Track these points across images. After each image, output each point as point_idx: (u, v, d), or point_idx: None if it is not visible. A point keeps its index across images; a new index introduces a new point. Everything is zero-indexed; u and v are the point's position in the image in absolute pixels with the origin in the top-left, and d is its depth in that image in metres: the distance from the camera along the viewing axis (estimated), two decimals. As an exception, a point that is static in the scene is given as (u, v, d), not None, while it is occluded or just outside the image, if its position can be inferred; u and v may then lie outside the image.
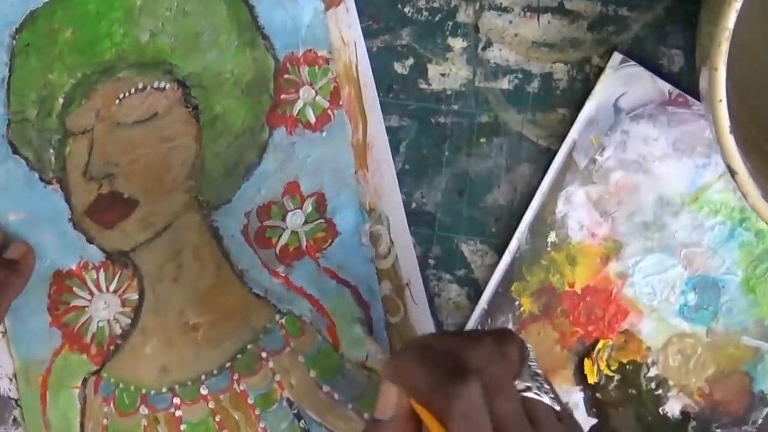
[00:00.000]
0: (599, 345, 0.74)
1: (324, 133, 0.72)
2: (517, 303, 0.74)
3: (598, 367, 0.74)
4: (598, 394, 0.75)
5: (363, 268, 0.73)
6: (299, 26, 0.71)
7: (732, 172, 0.59)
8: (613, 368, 0.74)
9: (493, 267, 0.74)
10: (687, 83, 0.71)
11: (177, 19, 0.71)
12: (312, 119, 0.72)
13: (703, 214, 0.72)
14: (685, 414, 0.74)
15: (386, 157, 0.73)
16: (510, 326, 0.74)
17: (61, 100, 0.71)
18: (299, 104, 0.72)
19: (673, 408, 0.74)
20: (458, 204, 0.73)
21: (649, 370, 0.74)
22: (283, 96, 0.72)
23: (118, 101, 0.71)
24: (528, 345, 0.60)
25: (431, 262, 0.74)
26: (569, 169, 0.72)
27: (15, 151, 0.72)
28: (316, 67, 0.72)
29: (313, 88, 0.72)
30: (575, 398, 0.75)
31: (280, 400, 0.74)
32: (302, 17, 0.71)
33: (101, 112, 0.71)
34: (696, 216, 0.72)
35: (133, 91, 0.71)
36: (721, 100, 0.58)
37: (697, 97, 0.71)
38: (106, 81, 0.71)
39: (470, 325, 0.74)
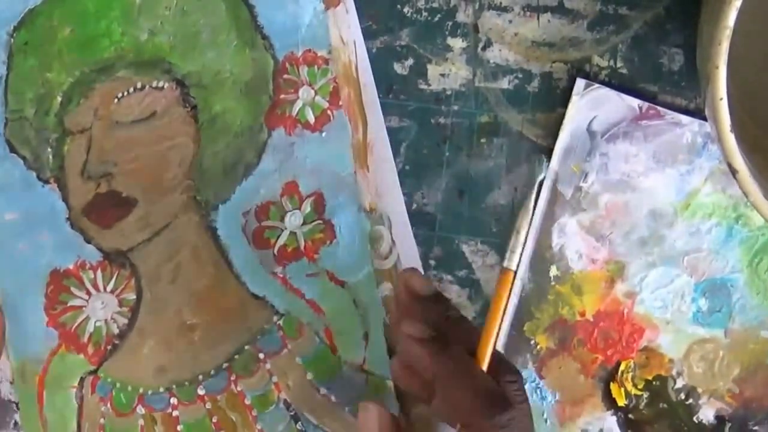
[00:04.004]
0: (622, 367, 0.74)
1: (323, 134, 0.72)
2: (532, 342, 0.74)
3: (625, 388, 0.74)
4: (630, 415, 0.75)
5: (361, 270, 0.73)
6: (299, 26, 0.71)
7: (733, 171, 0.59)
8: (640, 387, 0.74)
9: (493, 267, 0.74)
10: (688, 81, 0.71)
11: (176, 18, 0.71)
12: (311, 119, 0.72)
13: (698, 219, 0.72)
14: (719, 418, 0.74)
15: (387, 158, 0.73)
16: (530, 365, 0.74)
17: (59, 99, 0.71)
18: (298, 104, 0.72)
19: (707, 414, 0.74)
20: (459, 204, 0.73)
21: (675, 382, 0.74)
22: (282, 96, 0.72)
23: (116, 100, 0.71)
24: None
25: (432, 262, 0.74)
26: (557, 201, 0.72)
27: (12, 150, 0.71)
28: (316, 67, 0.71)
29: (313, 89, 0.72)
30: (609, 423, 0.75)
31: (277, 401, 0.74)
32: (302, 17, 0.71)
33: (99, 111, 0.71)
34: (691, 222, 0.72)
35: (131, 90, 0.71)
36: (721, 99, 0.58)
37: (691, 98, 0.71)
38: (105, 80, 0.71)
39: None
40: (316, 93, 0.72)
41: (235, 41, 0.71)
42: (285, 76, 0.71)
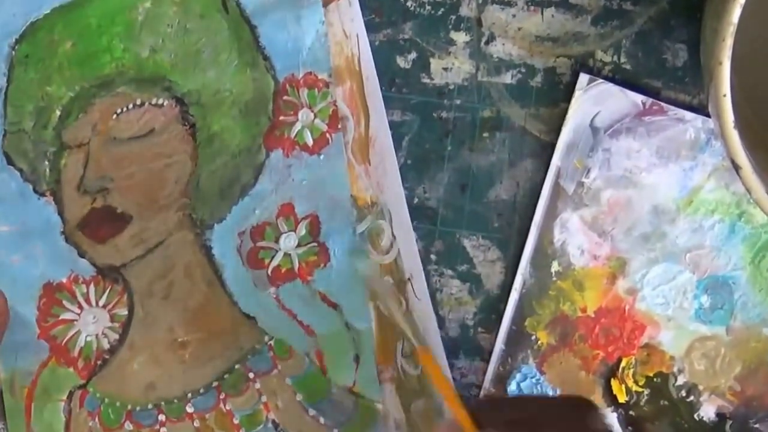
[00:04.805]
0: (623, 363, 0.74)
1: (321, 157, 0.72)
2: (533, 337, 0.74)
3: (626, 385, 0.74)
4: (631, 412, 0.75)
5: (354, 294, 0.73)
6: (300, 48, 0.71)
7: (736, 167, 0.59)
8: (641, 384, 0.74)
9: (495, 262, 0.74)
10: (691, 77, 0.71)
11: (178, 36, 0.71)
12: (309, 142, 0.72)
13: (700, 215, 0.72)
14: (720, 415, 0.75)
15: (389, 151, 0.73)
16: (530, 360, 0.74)
17: (58, 113, 0.71)
18: (297, 126, 0.72)
19: (707, 412, 0.75)
20: (460, 199, 0.73)
21: (677, 379, 0.74)
22: (281, 117, 0.71)
23: (115, 116, 0.71)
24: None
25: (433, 257, 0.74)
26: (559, 196, 0.72)
27: (10, 162, 0.71)
28: (316, 90, 0.71)
29: (312, 111, 0.71)
30: (609, 419, 0.74)
31: (266, 421, 0.74)
32: (304, 39, 0.71)
33: (98, 126, 0.71)
34: (693, 219, 0.72)
35: (131, 106, 0.71)
36: (725, 95, 0.58)
37: (695, 94, 0.71)
38: (105, 95, 0.71)
39: (492, 366, 0.74)
40: (315, 116, 0.71)
41: (236, 61, 0.71)
42: (285, 97, 0.71)
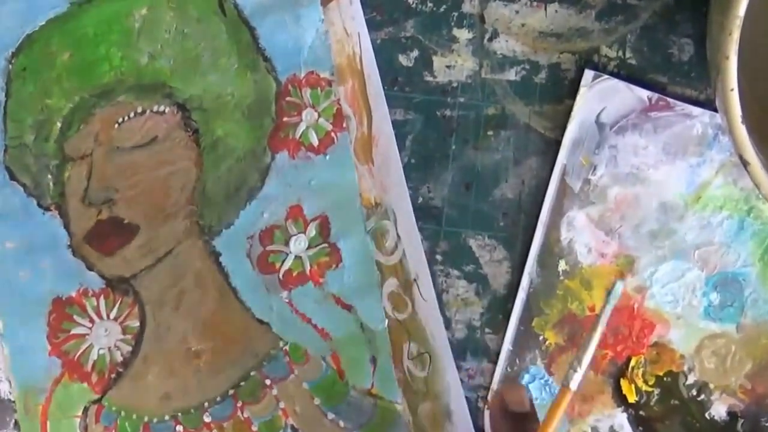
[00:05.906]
0: (632, 363, 0.73)
1: (327, 156, 0.71)
2: (541, 338, 0.73)
3: (636, 384, 0.73)
4: (641, 412, 0.74)
5: (368, 294, 0.72)
6: (301, 48, 0.70)
7: (744, 163, 0.59)
8: (650, 383, 0.73)
9: (501, 262, 0.73)
10: (698, 72, 0.71)
11: (176, 42, 0.70)
12: (315, 142, 0.71)
13: (709, 211, 0.71)
14: (732, 414, 0.74)
15: (392, 151, 0.72)
16: (539, 361, 0.73)
17: (59, 125, 0.70)
18: (302, 127, 0.71)
19: (719, 410, 0.74)
20: (466, 198, 0.73)
21: (687, 378, 0.73)
22: (285, 119, 0.71)
23: (117, 125, 0.70)
24: None
25: (438, 257, 0.73)
26: (565, 194, 0.71)
27: (12, 177, 0.71)
28: (319, 89, 0.71)
29: (316, 111, 0.71)
30: (619, 420, 0.74)
31: (285, 427, 0.73)
32: (304, 39, 0.70)
33: (100, 136, 0.70)
34: (702, 215, 0.71)
35: (132, 115, 0.70)
36: (732, 90, 0.57)
37: (701, 89, 0.71)
38: (105, 105, 0.70)
39: (499, 367, 0.73)
40: (319, 115, 0.71)
41: (237, 64, 0.70)
42: (288, 98, 0.71)
